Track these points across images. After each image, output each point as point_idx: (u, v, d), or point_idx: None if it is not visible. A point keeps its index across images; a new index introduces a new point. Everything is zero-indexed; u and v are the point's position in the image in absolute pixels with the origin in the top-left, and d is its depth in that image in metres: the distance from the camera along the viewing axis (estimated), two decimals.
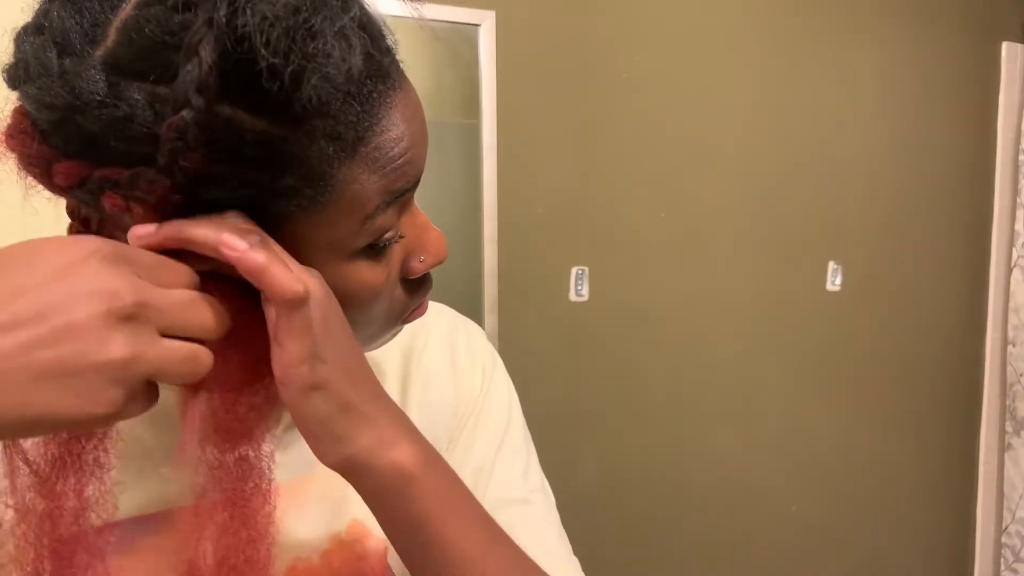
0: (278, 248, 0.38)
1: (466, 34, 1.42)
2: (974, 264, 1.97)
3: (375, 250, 0.42)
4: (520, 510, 0.56)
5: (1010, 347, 1.96)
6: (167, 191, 0.35)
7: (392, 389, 0.58)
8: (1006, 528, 1.98)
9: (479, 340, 0.65)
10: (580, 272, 1.56)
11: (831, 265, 1.79)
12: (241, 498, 0.39)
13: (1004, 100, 1.93)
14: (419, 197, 0.47)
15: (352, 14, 0.36)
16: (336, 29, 0.35)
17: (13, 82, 0.37)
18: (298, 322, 0.37)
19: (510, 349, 1.48)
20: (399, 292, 0.46)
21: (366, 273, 0.42)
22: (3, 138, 0.37)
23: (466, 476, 0.55)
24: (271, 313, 0.37)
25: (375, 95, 0.38)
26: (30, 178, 0.38)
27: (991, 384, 1.99)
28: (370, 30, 0.39)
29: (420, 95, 0.43)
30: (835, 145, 1.78)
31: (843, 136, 1.78)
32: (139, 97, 0.34)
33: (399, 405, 0.55)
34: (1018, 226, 1.94)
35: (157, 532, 0.47)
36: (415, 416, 0.56)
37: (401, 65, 0.42)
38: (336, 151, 0.37)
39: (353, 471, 0.40)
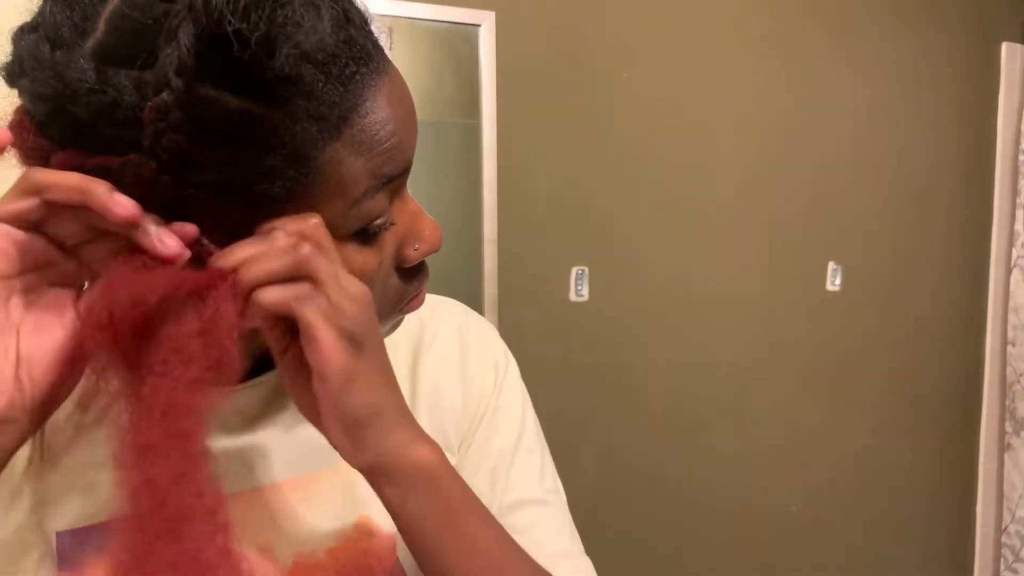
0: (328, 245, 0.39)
1: (466, 34, 1.42)
2: (974, 264, 1.97)
3: (366, 236, 0.43)
4: (536, 510, 0.56)
5: (1010, 347, 1.96)
6: (153, 174, 0.36)
7: (401, 381, 0.57)
8: (1006, 528, 1.98)
9: (491, 337, 0.64)
10: (580, 272, 1.56)
11: (831, 265, 1.79)
12: (181, 501, 0.36)
13: (1004, 100, 1.93)
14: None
15: None
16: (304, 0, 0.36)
17: (10, 78, 0.38)
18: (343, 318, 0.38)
19: (510, 349, 1.48)
20: (394, 280, 0.46)
21: (357, 259, 0.43)
22: (4, 132, 0.38)
23: (482, 476, 0.56)
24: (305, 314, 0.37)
25: (358, 77, 0.39)
26: None
27: (991, 384, 1.99)
28: (349, 12, 0.39)
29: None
30: (835, 145, 1.78)
31: (843, 136, 1.78)
32: (126, 83, 0.35)
33: (408, 399, 0.54)
34: (1018, 226, 1.94)
35: (100, 545, 0.45)
36: (424, 411, 0.56)
37: (387, 52, 0.42)
38: (320, 131, 0.37)
39: (382, 471, 0.41)
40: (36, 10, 0.38)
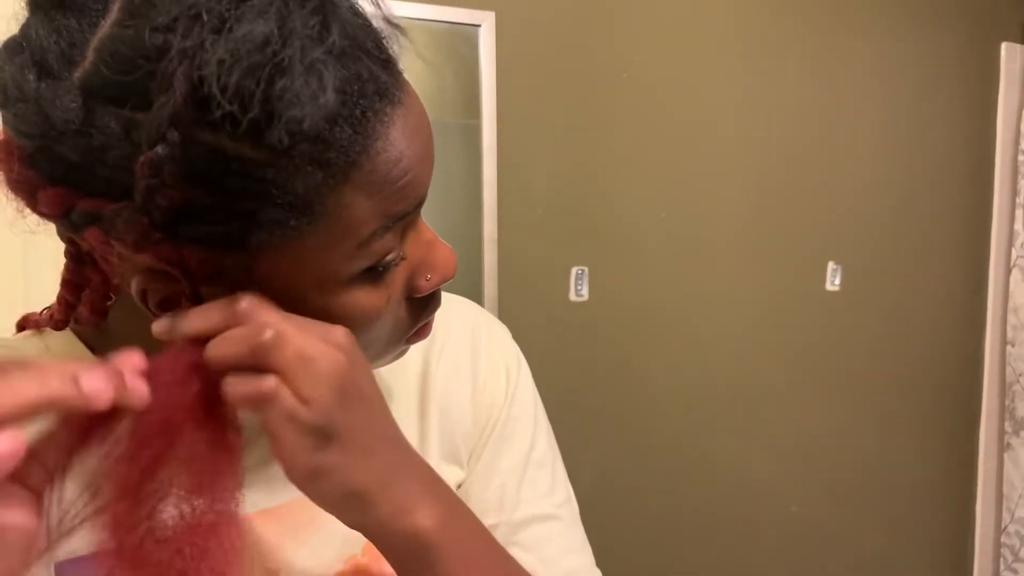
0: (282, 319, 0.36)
1: (466, 34, 1.42)
2: (973, 264, 1.97)
3: (374, 274, 0.40)
4: (546, 527, 0.54)
5: (1009, 347, 1.96)
6: (146, 228, 0.34)
7: (411, 391, 0.56)
8: (1005, 528, 1.98)
9: (503, 340, 0.62)
10: (580, 272, 1.56)
11: (831, 265, 1.79)
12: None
13: (1004, 100, 1.93)
14: None
15: (330, 40, 0.33)
16: (307, 64, 0.32)
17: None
18: (286, 416, 0.35)
19: None
20: (403, 311, 0.44)
21: (364, 299, 0.40)
22: None
23: (491, 491, 0.54)
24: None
25: (370, 114, 0.35)
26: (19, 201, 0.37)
27: (990, 384, 1.99)
28: (363, 44, 0.36)
29: (420, 95, 0.41)
30: (835, 145, 1.78)
31: (843, 136, 1.78)
32: (115, 126, 0.33)
33: (418, 414, 0.53)
34: (1017, 226, 1.94)
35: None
36: (434, 419, 0.55)
37: (403, 75, 0.39)
38: (326, 178, 0.35)
39: (369, 536, 0.39)
40: (21, 24, 0.35)
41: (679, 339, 1.66)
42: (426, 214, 0.46)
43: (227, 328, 0.35)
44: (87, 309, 0.43)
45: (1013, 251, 1.95)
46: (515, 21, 1.45)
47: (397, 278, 0.42)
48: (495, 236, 1.46)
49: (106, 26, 0.33)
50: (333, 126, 0.34)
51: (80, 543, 0.44)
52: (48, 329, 0.46)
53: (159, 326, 0.36)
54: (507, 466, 0.55)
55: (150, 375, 0.34)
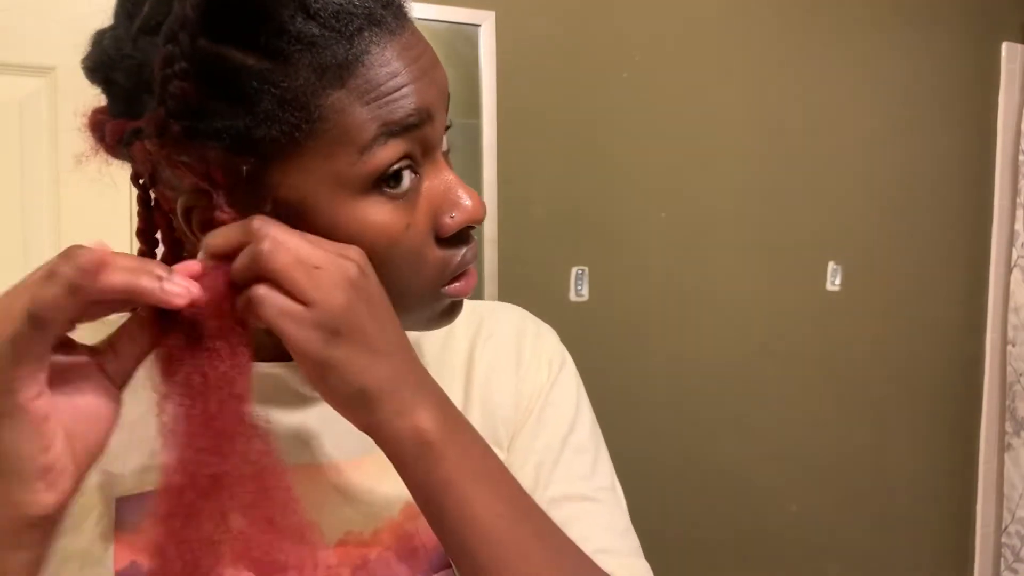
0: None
1: (466, 34, 1.42)
2: (974, 264, 1.97)
3: (389, 192, 0.42)
4: (581, 506, 0.54)
5: (1010, 347, 1.96)
6: (163, 119, 0.39)
7: (457, 375, 0.57)
8: (1006, 528, 1.98)
9: (549, 338, 0.64)
10: (580, 272, 1.56)
11: (831, 265, 1.79)
12: (251, 465, 0.39)
13: (1004, 100, 1.93)
14: None
15: None
16: None
17: (83, 62, 0.44)
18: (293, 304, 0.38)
19: None
20: (433, 251, 0.45)
21: (379, 213, 0.42)
22: (85, 119, 0.44)
23: (527, 471, 0.55)
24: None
25: (365, 33, 0.40)
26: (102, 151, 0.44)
27: (991, 384, 1.99)
28: None
29: None
30: (835, 145, 1.78)
31: (843, 136, 1.78)
32: (149, 48, 0.39)
33: (463, 395, 0.56)
34: (1018, 226, 1.94)
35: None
36: (476, 404, 0.56)
37: (407, 14, 0.44)
38: (320, 80, 0.39)
39: (374, 437, 0.41)
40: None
41: (679, 339, 1.66)
42: None
43: (244, 245, 0.39)
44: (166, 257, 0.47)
45: (1013, 251, 1.95)
46: (515, 21, 1.45)
47: (420, 208, 0.44)
48: (495, 236, 1.46)
49: None
50: (325, 32, 0.39)
51: (141, 477, 0.47)
52: None
53: (199, 249, 0.40)
54: (542, 446, 0.56)
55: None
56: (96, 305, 0.36)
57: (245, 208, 0.41)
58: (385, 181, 0.42)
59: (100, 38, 0.43)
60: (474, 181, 1.45)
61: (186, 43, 0.38)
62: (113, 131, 0.41)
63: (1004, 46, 1.92)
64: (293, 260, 0.38)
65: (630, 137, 1.58)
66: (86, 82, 0.44)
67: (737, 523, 1.75)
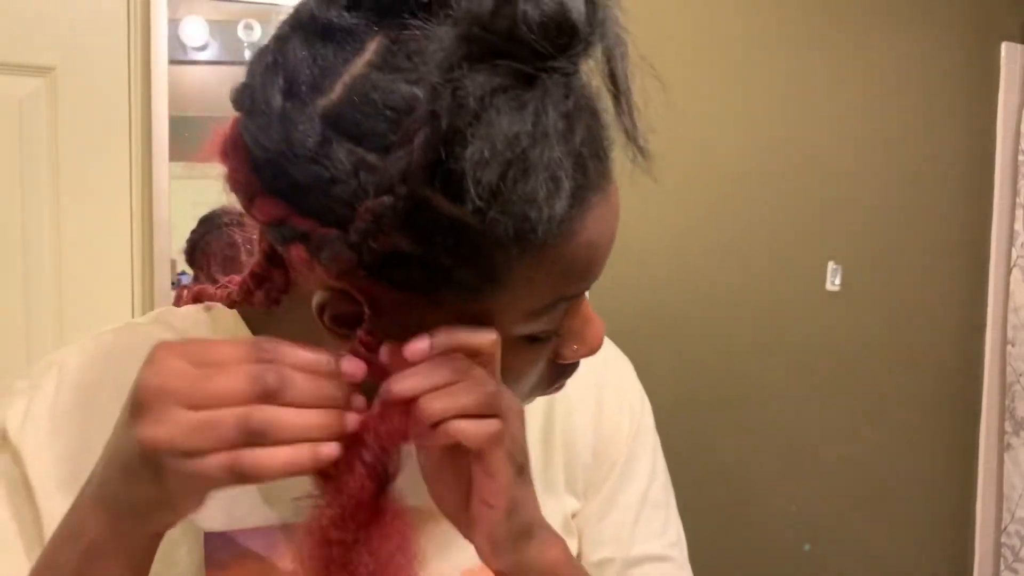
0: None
1: None
2: (974, 264, 1.97)
3: (531, 341, 0.42)
4: (659, 567, 0.58)
5: (1009, 347, 1.96)
6: (351, 262, 0.35)
7: (536, 420, 0.57)
8: (1005, 528, 1.98)
9: (628, 376, 0.64)
10: None
11: (831, 265, 1.79)
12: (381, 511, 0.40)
13: (1003, 100, 1.93)
14: None
15: (574, 142, 0.35)
16: (548, 166, 0.33)
17: (238, 106, 0.38)
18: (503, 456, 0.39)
19: None
20: (544, 372, 0.46)
21: (515, 361, 0.42)
22: (217, 150, 0.39)
23: (608, 525, 0.56)
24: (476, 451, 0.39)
25: (577, 203, 0.37)
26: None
27: (990, 384, 1.99)
28: (595, 139, 0.39)
29: None
30: (835, 145, 1.78)
31: (843, 136, 1.78)
32: (346, 161, 0.34)
33: (542, 430, 0.56)
34: (1018, 226, 1.94)
35: (245, 549, 0.48)
36: (558, 450, 0.57)
37: (610, 163, 0.41)
38: (520, 252, 0.36)
39: (517, 572, 0.42)
40: (276, 36, 0.38)
41: (678, 339, 1.66)
42: None
43: (436, 381, 0.38)
44: (263, 297, 0.46)
45: (1013, 251, 1.95)
46: None
47: (551, 345, 0.45)
48: None
49: (359, 65, 0.35)
50: (541, 211, 0.34)
51: (231, 515, 0.47)
52: (218, 305, 0.50)
53: (350, 366, 0.38)
54: (625, 503, 0.58)
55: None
56: None
57: (385, 331, 0.39)
58: (537, 336, 0.42)
59: (269, 87, 0.36)
60: None
61: (403, 197, 0.33)
62: (268, 213, 0.37)
63: (1004, 46, 1.91)
64: (509, 403, 0.39)
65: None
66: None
67: (737, 523, 1.75)
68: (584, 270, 0.40)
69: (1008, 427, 1.97)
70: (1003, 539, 1.99)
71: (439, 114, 0.32)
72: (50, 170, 1.15)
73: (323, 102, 0.35)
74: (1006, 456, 1.98)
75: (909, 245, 1.88)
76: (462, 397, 0.37)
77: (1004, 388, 1.98)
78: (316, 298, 0.40)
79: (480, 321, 0.39)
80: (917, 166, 1.87)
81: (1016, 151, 1.95)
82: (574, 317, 0.44)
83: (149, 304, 1.22)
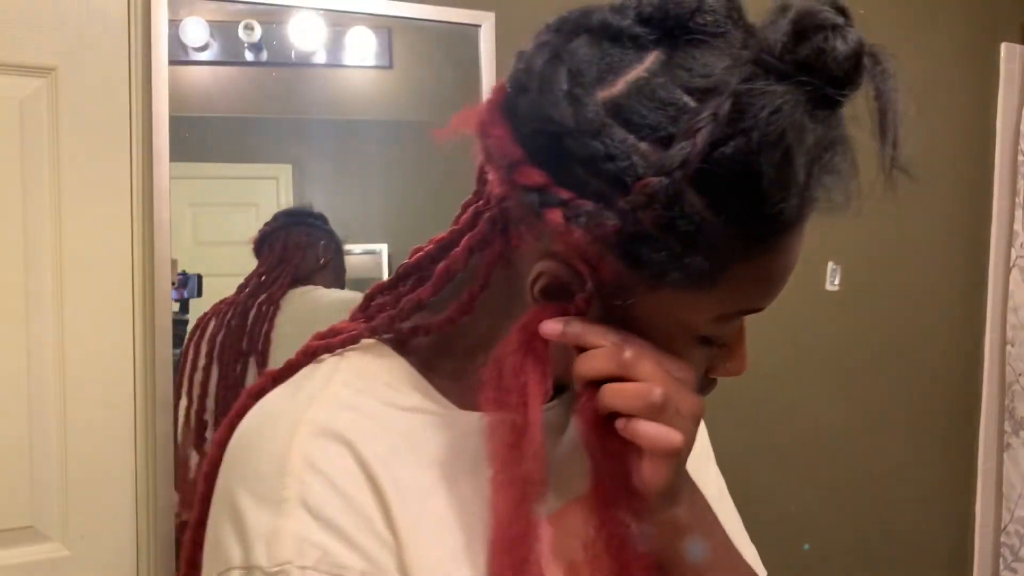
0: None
1: (466, 34, 1.42)
2: (973, 264, 1.98)
3: (714, 344, 0.47)
4: None
5: (1009, 347, 1.96)
6: (608, 234, 0.39)
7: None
8: (1005, 528, 1.98)
9: None
10: None
11: (830, 265, 1.80)
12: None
13: (1003, 100, 1.93)
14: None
15: (827, 159, 0.41)
16: (811, 181, 0.39)
17: (518, 85, 0.43)
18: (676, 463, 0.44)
19: None
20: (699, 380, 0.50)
21: (694, 357, 0.46)
22: (473, 124, 0.43)
23: None
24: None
25: (796, 222, 0.42)
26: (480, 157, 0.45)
27: (990, 384, 1.99)
28: (844, 165, 0.42)
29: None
30: None
31: None
32: (620, 145, 0.38)
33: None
34: (1017, 226, 1.94)
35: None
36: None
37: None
38: (741, 255, 0.40)
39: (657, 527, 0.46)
40: (553, 37, 0.43)
41: None
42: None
43: (609, 370, 0.43)
44: (456, 309, 0.48)
45: (1013, 251, 1.95)
46: (515, 21, 1.45)
47: (710, 354, 0.48)
48: None
49: (642, 68, 0.40)
50: (783, 220, 0.40)
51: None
52: (372, 342, 0.52)
53: (549, 328, 0.43)
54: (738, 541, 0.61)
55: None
56: None
57: (597, 305, 0.43)
58: (711, 340, 0.46)
59: (554, 71, 0.41)
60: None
61: (675, 183, 0.37)
62: (532, 179, 0.41)
63: (1003, 46, 1.92)
64: (688, 413, 0.43)
65: None
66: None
67: None
68: (773, 287, 0.44)
69: (1007, 427, 1.97)
70: (1003, 539, 1.99)
71: (723, 123, 0.36)
72: (51, 170, 1.15)
73: (604, 93, 0.39)
74: (1005, 456, 1.98)
75: (909, 245, 1.88)
76: (621, 399, 0.42)
77: (1003, 388, 1.99)
78: (538, 266, 0.43)
79: (684, 311, 0.43)
80: (917, 166, 1.87)
81: (1016, 151, 1.95)
82: (737, 334, 0.48)
83: (149, 304, 1.21)
